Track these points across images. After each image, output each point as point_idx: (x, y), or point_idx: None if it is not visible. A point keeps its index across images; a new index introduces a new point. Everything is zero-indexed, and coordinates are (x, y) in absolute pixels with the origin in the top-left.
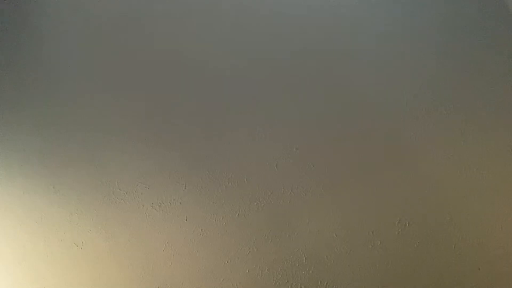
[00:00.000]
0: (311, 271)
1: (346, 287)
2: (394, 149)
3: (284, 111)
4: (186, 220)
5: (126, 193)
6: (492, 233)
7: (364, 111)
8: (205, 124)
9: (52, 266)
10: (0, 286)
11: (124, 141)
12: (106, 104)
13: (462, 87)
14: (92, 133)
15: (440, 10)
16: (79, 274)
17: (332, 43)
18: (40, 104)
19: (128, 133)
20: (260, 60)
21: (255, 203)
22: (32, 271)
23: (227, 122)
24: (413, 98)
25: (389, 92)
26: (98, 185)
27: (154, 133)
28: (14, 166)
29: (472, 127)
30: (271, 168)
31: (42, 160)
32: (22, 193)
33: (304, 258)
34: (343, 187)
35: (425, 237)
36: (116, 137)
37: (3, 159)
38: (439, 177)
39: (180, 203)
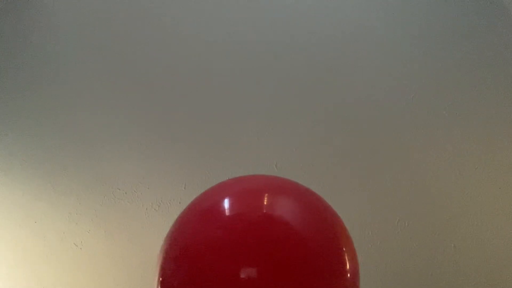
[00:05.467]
0: None
1: None
2: (393, 150)
3: (283, 112)
4: None
5: (126, 193)
6: (492, 232)
7: (364, 111)
8: (204, 124)
9: (51, 266)
10: (0, 286)
11: (124, 141)
12: (106, 104)
13: (462, 87)
14: (92, 133)
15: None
16: (79, 274)
17: (332, 44)
18: (40, 104)
19: (128, 133)
20: (261, 62)
21: None
22: (32, 271)
23: (226, 122)
24: (413, 99)
25: (389, 92)
26: (98, 185)
27: (154, 133)
28: (14, 167)
29: (472, 128)
30: (270, 167)
31: (41, 161)
32: (22, 193)
33: None
34: (342, 187)
35: (425, 237)
36: (115, 137)
37: (3, 160)
38: (438, 177)
39: (179, 203)
